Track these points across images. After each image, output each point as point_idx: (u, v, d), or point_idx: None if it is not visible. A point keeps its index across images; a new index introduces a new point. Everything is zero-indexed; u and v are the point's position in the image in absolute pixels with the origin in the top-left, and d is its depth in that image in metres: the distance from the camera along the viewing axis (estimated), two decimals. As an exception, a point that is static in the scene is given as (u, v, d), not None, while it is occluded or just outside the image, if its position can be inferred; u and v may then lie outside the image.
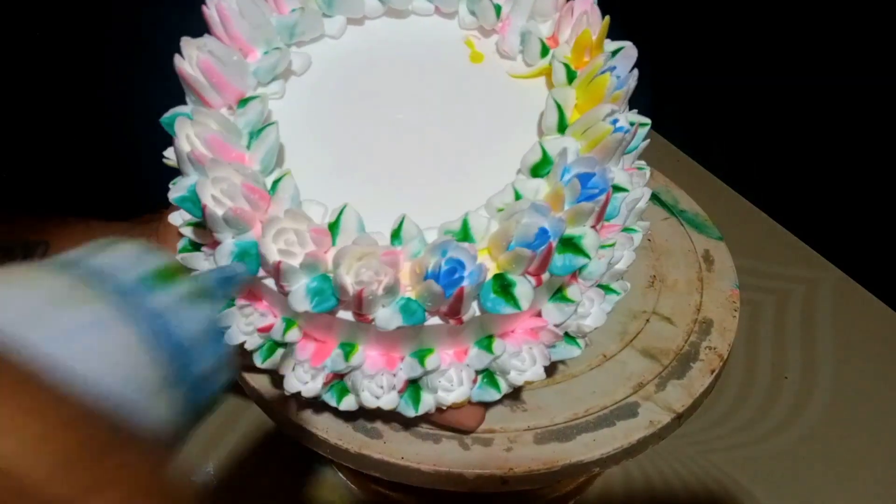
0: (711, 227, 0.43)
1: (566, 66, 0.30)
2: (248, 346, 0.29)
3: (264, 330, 0.28)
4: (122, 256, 0.14)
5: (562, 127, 0.29)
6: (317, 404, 0.33)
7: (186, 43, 0.28)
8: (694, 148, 0.68)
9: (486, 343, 0.28)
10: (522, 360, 0.28)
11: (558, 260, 0.26)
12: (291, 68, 0.31)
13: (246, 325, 0.29)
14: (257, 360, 0.29)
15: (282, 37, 0.31)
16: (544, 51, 0.32)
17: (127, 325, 0.13)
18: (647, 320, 0.38)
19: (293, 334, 0.27)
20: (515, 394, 0.33)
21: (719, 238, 0.42)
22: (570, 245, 0.26)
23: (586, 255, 0.26)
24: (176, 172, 0.28)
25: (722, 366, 0.36)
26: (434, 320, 0.26)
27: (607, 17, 0.30)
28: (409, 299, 0.25)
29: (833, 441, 0.49)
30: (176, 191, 0.27)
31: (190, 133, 0.26)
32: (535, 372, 0.28)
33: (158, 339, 0.13)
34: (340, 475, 0.46)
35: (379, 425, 0.32)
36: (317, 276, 0.25)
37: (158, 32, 0.31)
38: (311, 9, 0.32)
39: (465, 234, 0.26)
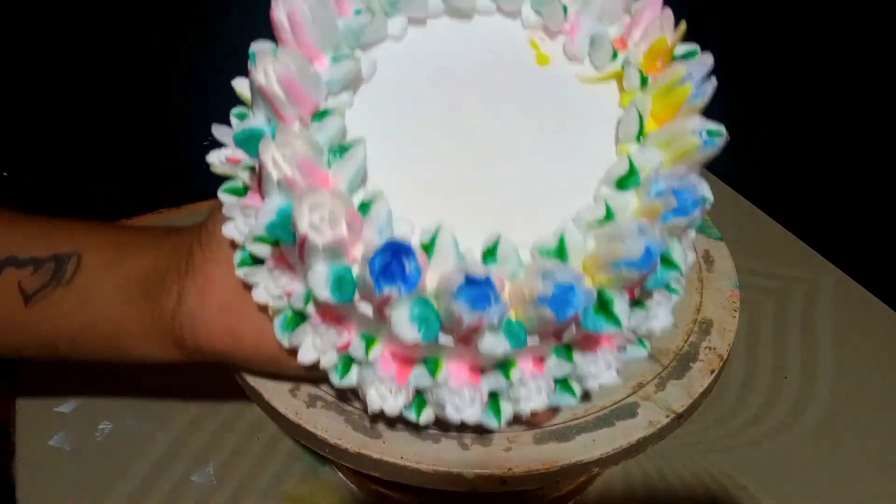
0: (711, 227, 0.43)
1: (640, 71, 0.30)
2: (323, 365, 0.28)
3: (343, 348, 0.27)
4: None
5: (640, 135, 0.29)
6: (316, 404, 0.33)
7: (262, 56, 0.26)
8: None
9: (565, 353, 0.28)
10: (598, 366, 0.28)
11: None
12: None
13: (322, 343, 0.28)
14: (334, 379, 0.28)
15: (348, 41, 0.30)
16: (614, 54, 0.31)
17: None
18: (647, 320, 0.38)
19: (375, 351, 0.27)
20: (586, 396, 0.32)
21: (719, 238, 0.42)
22: (664, 259, 0.26)
23: (678, 269, 0.26)
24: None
25: (722, 366, 0.36)
26: None
27: (683, 23, 0.30)
28: (510, 322, 0.25)
29: (833, 441, 0.49)
30: (264, 215, 0.25)
31: (277, 156, 0.25)
32: (610, 376, 0.29)
33: None
34: (340, 475, 0.46)
35: (378, 425, 0.32)
36: (418, 301, 0.25)
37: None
38: (377, 12, 0.30)
39: (561, 251, 0.26)
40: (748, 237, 0.61)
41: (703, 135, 0.27)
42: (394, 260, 0.24)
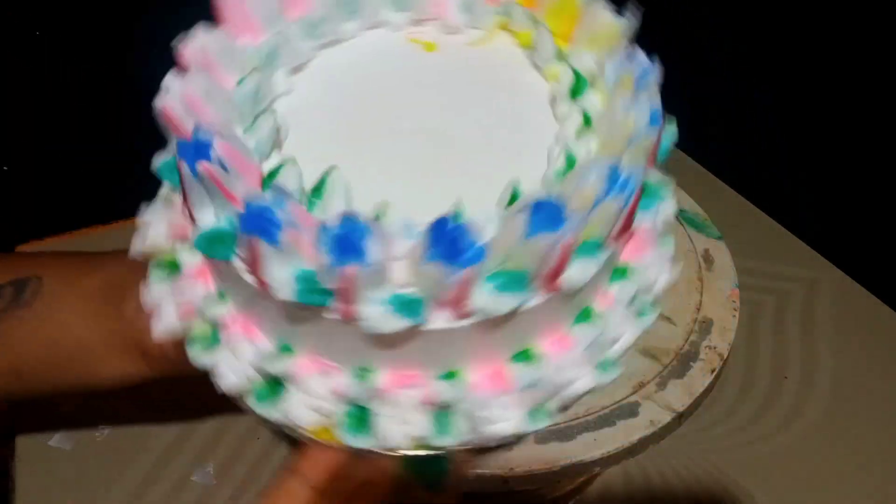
0: (711, 227, 0.43)
1: (520, 7, 0.30)
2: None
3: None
4: None
5: (558, 55, 0.29)
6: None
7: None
8: (694, 147, 0.68)
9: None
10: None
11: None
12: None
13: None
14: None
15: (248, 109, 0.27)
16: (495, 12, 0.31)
17: None
18: (648, 320, 0.38)
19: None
20: None
21: (719, 238, 0.42)
22: (644, 189, 0.26)
23: (659, 196, 0.26)
24: None
25: (722, 365, 0.36)
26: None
27: None
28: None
29: (833, 441, 0.49)
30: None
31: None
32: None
33: None
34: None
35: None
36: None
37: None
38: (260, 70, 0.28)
39: (569, 164, 0.25)
40: (748, 237, 0.61)
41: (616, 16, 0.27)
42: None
